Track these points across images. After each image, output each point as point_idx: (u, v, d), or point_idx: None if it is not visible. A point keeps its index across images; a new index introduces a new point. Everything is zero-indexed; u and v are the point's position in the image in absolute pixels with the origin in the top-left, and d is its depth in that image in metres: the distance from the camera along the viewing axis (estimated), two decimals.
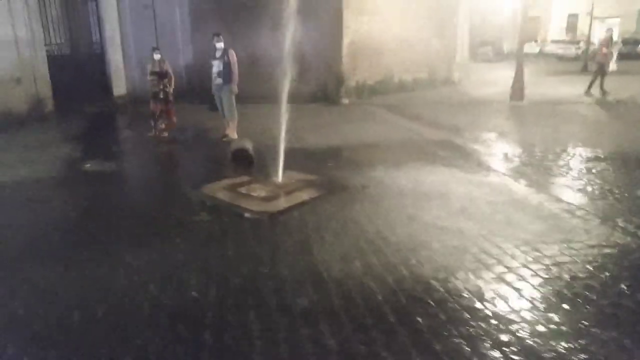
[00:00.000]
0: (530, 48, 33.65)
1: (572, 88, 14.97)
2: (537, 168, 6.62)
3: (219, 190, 5.69)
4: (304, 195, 5.43)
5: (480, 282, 3.53)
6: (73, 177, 6.70)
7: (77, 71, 12.51)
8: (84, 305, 3.29)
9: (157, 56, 8.91)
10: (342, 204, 5.25)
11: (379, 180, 6.04)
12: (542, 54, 31.33)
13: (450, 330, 2.96)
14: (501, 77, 21.40)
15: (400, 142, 8.30)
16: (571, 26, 34.05)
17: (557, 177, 6.31)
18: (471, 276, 3.61)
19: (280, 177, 5.89)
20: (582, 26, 34.44)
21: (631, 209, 5.00)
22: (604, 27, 33.75)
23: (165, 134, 8.89)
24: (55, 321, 3.12)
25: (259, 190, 5.64)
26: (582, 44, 29.92)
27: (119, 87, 13.54)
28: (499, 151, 7.65)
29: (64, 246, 4.37)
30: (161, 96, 8.71)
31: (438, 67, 16.83)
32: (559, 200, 5.30)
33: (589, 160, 7.00)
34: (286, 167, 6.00)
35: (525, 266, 3.76)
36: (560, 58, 29.27)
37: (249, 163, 6.49)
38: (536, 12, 34.57)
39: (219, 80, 8.53)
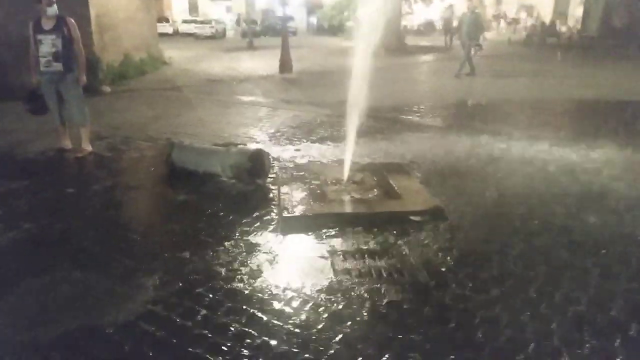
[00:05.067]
0: (164, 28, 33.70)
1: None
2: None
3: (314, 205, 3.90)
4: (410, 183, 4.45)
5: None
6: None
7: None
8: None
9: None
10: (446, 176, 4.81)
11: (425, 157, 5.55)
12: (178, 34, 31.94)
13: None
14: (180, 53, 20.52)
15: (315, 122, 7.44)
16: (193, 7, 35.89)
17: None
18: None
19: (345, 175, 4.49)
20: (202, 7, 37.08)
21: None
22: (224, 8, 37.54)
23: None
24: None
25: (356, 192, 4.21)
26: (213, 23, 32.32)
27: None
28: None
29: None
30: None
31: (151, 46, 14.99)
32: None
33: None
34: None
35: None
36: (197, 37, 30.55)
37: (260, 173, 4.53)
38: None
39: (57, 66, 5.27)
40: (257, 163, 4.43)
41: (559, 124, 7.55)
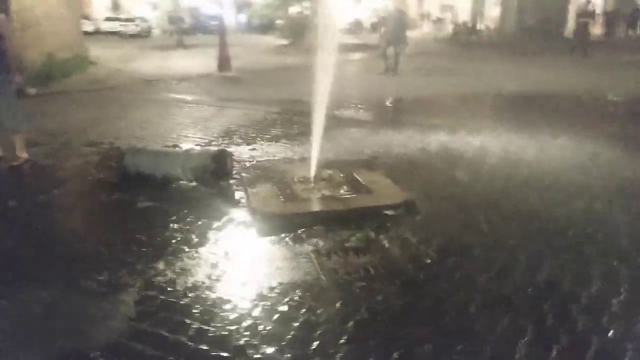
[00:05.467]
0: (85, 26, 31.67)
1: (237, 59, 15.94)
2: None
3: (288, 205, 3.79)
4: (377, 178, 4.46)
5: None
6: None
7: None
8: None
9: None
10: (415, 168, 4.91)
11: (387, 149, 5.68)
12: (100, 32, 30.12)
13: None
14: (107, 52, 19.33)
15: (266, 120, 7.28)
16: (115, 4, 34.04)
17: None
18: None
19: (312, 173, 4.40)
20: (125, 4, 35.28)
21: None
22: (148, 5, 35.86)
23: None
24: None
25: (325, 190, 4.16)
26: (138, 21, 30.82)
27: None
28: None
29: None
30: None
31: (77, 45, 14.02)
32: None
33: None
34: None
35: None
36: (122, 35, 28.96)
37: (224, 175, 4.35)
38: None
39: None
40: (221, 164, 4.26)
41: (490, 116, 7.97)
